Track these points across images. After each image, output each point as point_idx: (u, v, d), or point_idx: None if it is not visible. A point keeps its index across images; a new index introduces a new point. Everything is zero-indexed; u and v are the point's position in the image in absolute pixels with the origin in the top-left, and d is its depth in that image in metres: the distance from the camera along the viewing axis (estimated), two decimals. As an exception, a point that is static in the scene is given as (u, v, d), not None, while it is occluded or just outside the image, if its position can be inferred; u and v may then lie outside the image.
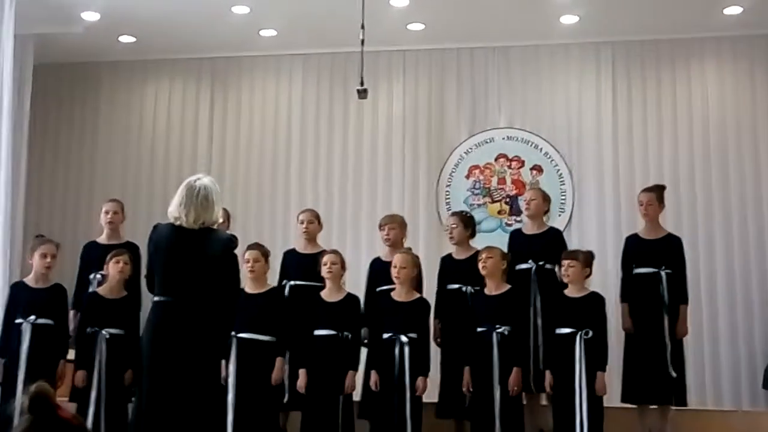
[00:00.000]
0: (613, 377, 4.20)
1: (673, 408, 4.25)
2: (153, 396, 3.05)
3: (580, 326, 3.95)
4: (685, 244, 4.48)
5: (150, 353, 3.10)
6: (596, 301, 4.06)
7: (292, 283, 4.46)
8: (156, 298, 3.14)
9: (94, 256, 4.47)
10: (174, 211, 3.18)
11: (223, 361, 4.07)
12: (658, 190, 4.46)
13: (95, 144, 6.38)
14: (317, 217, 4.64)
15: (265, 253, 4.24)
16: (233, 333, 4.08)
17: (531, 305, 4.27)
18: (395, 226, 4.47)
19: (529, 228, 4.53)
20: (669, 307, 4.24)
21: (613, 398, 4.23)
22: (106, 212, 4.61)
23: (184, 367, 3.03)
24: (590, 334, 3.92)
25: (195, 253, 3.12)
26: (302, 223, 4.59)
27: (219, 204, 3.22)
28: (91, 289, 4.36)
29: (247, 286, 4.20)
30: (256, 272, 4.17)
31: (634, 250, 4.41)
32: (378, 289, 4.39)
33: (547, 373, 4.04)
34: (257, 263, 4.17)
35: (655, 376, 4.17)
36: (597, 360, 3.93)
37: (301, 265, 4.45)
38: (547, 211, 4.58)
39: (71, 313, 4.44)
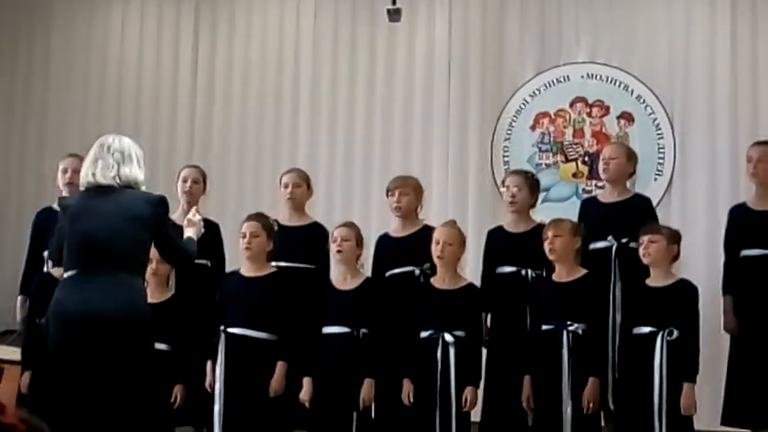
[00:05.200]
0: (705, 392, 4.29)
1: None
2: (59, 393, 3.22)
3: (662, 324, 4.02)
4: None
5: (55, 341, 3.25)
6: (685, 291, 4.12)
7: (273, 264, 4.57)
8: (66, 273, 3.32)
9: (50, 227, 4.60)
10: (85, 170, 3.39)
11: (209, 363, 4.27)
12: None
13: (46, 88, 6.57)
14: (306, 179, 4.79)
15: (268, 227, 4.37)
16: (222, 327, 4.24)
17: (610, 296, 4.35)
18: (408, 191, 4.59)
19: (607, 195, 4.61)
20: None
21: (709, 419, 4.31)
22: (64, 171, 4.75)
23: (98, 360, 3.19)
24: (675, 334, 3.99)
25: (114, 214, 3.29)
26: (286, 186, 4.74)
27: (141, 163, 3.42)
28: (45, 270, 4.49)
29: (243, 267, 4.34)
30: (254, 250, 4.30)
31: (741, 225, 4.47)
32: (388, 273, 4.52)
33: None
34: (255, 238, 4.29)
35: (765, 391, 4.24)
36: (683, 368, 3.99)
37: (286, 241, 4.55)
38: (632, 174, 4.65)
39: (19, 299, 4.62)
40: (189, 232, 3.67)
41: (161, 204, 3.42)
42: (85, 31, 6.59)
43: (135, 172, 3.37)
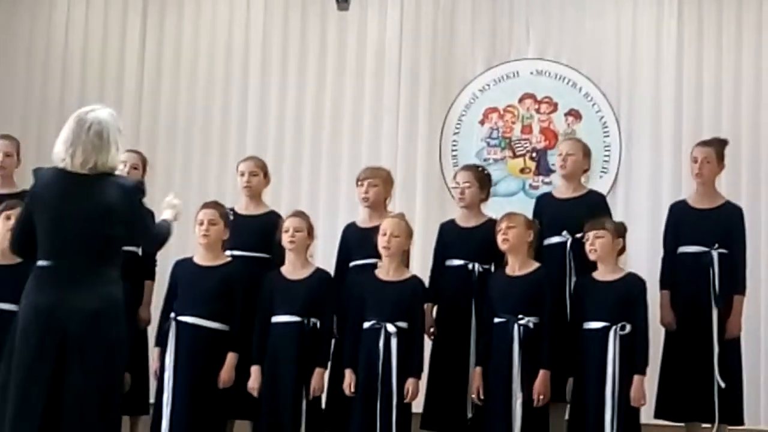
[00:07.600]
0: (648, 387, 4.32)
1: (729, 427, 4.42)
2: (24, 390, 3.13)
3: (614, 319, 4.09)
4: (747, 218, 4.62)
5: (27, 333, 3.18)
6: (635, 285, 4.19)
7: (228, 253, 4.55)
8: (39, 263, 3.26)
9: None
10: (59, 150, 3.30)
11: (157, 349, 4.27)
12: (718, 145, 4.62)
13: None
14: (263, 167, 4.78)
15: (224, 215, 4.38)
16: (173, 315, 4.23)
17: (566, 290, 4.40)
18: (377, 182, 4.59)
19: (562, 191, 4.66)
20: (719, 297, 4.38)
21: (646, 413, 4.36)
22: None
23: (71, 352, 3.14)
24: (627, 329, 4.07)
25: (88, 204, 3.25)
26: (242, 174, 4.73)
27: (118, 145, 3.33)
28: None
29: (197, 256, 4.35)
30: (211, 237, 4.31)
31: (680, 222, 4.57)
32: (352, 263, 4.52)
33: (570, 381, 4.20)
34: (213, 226, 4.31)
35: (697, 385, 4.33)
36: (634, 361, 4.07)
37: (242, 230, 4.55)
38: (587, 170, 4.72)
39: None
40: (165, 214, 3.60)
41: (137, 191, 3.36)
42: (28, 15, 6.47)
43: (111, 159, 3.29)
